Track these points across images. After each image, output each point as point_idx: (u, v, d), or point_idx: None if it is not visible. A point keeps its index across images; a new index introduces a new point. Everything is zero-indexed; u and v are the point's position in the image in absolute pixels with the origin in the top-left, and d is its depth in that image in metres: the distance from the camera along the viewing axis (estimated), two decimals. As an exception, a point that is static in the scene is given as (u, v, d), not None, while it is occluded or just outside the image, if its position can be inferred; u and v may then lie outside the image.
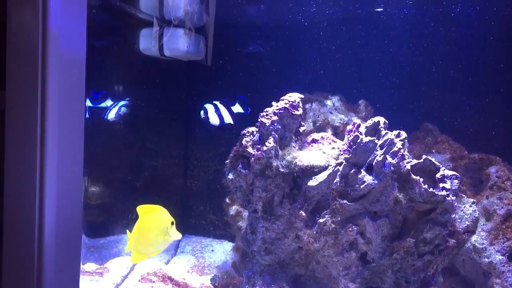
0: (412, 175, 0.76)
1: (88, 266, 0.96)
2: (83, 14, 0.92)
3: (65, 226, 0.97)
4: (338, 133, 0.94)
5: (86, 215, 0.94)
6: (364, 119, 0.94)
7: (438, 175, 0.77)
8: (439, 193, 0.75)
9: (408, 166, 0.76)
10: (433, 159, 0.78)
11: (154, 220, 0.73)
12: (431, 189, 0.75)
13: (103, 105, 0.92)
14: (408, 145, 0.82)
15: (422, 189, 0.75)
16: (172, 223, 0.71)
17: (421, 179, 0.76)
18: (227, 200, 0.98)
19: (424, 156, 0.77)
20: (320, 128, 0.92)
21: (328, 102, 0.96)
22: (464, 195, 0.84)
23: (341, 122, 0.94)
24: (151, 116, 1.03)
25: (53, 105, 0.98)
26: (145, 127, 1.04)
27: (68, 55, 0.98)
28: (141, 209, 0.71)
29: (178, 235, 0.71)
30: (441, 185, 0.76)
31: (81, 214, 0.92)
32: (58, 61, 0.96)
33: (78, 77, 0.96)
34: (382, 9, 0.94)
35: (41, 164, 0.95)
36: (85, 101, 0.93)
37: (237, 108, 0.93)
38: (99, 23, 0.87)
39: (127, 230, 0.72)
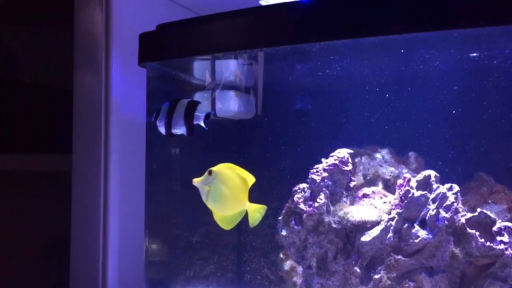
0: (468, 229, 0.75)
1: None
2: (142, 82, 0.99)
3: (128, 284, 1.01)
4: (389, 186, 0.94)
5: (146, 272, 0.97)
6: (415, 171, 0.93)
7: (494, 228, 0.76)
8: (497, 247, 0.73)
9: (463, 220, 0.75)
10: (488, 212, 0.77)
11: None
12: (488, 243, 0.74)
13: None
14: (461, 198, 0.82)
15: (479, 243, 0.74)
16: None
17: (477, 233, 0.74)
18: (281, 255, 0.99)
19: (478, 209, 0.77)
20: (370, 182, 0.93)
21: (378, 155, 0.97)
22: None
23: (392, 175, 0.94)
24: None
25: (115, 168, 1.05)
26: (200, 184, 1.08)
27: (129, 120, 1.05)
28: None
29: None
30: (498, 238, 0.75)
31: (142, 272, 0.96)
32: (120, 125, 1.04)
33: (138, 140, 1.02)
34: (428, 65, 0.95)
35: (104, 224, 1.00)
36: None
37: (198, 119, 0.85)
38: (156, 90, 0.93)
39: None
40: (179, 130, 0.84)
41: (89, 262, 1.01)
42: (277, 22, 0.75)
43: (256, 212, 0.76)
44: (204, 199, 0.77)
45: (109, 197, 1.03)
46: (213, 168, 0.75)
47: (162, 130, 0.84)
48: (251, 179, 0.77)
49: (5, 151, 1.20)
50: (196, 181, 0.76)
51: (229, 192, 0.77)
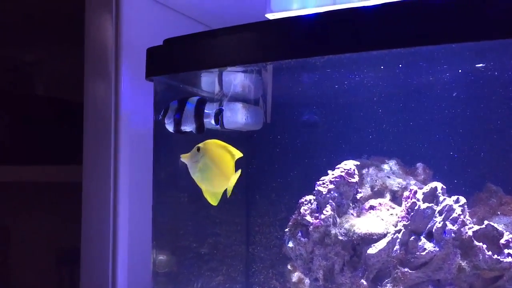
0: (475, 241, 0.74)
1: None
2: (150, 94, 1.00)
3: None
4: (397, 197, 0.93)
5: (154, 282, 0.98)
6: (423, 182, 0.93)
7: (502, 241, 0.75)
8: (505, 260, 0.73)
9: (470, 233, 0.75)
10: (495, 225, 0.76)
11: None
12: (495, 255, 0.73)
13: None
14: (470, 209, 0.81)
15: (486, 256, 0.73)
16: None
17: (485, 246, 0.74)
18: (289, 267, 1.00)
19: (486, 222, 0.76)
20: (378, 193, 0.93)
21: (385, 167, 0.96)
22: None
23: (399, 186, 0.93)
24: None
25: (124, 178, 1.06)
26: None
27: (138, 131, 1.06)
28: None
29: None
30: (506, 251, 0.74)
31: (151, 283, 0.96)
32: (129, 137, 1.05)
33: (146, 152, 1.03)
34: (435, 78, 0.95)
35: (114, 235, 1.02)
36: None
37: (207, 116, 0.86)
38: (163, 103, 0.94)
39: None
40: (188, 127, 0.85)
41: (99, 272, 1.02)
42: (284, 36, 0.75)
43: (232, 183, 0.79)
44: (192, 175, 0.78)
45: (119, 207, 1.04)
46: (201, 145, 0.76)
47: (171, 127, 0.85)
48: (238, 154, 0.78)
49: (18, 162, 1.22)
50: (184, 157, 0.77)
51: (217, 170, 0.78)
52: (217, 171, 0.78)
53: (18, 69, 1.53)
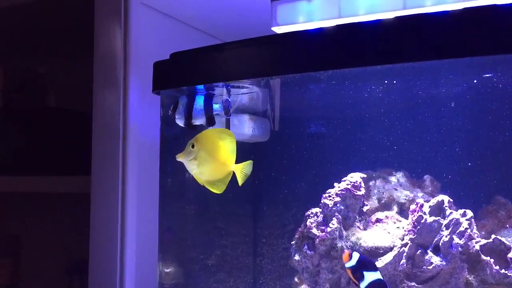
0: (482, 255, 0.74)
1: None
2: (158, 106, 1.01)
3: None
4: (404, 209, 0.93)
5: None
6: (431, 195, 0.92)
7: (510, 255, 0.74)
8: (513, 275, 0.72)
9: (477, 247, 0.74)
10: (503, 239, 0.75)
11: None
12: (503, 270, 0.72)
13: None
14: (478, 222, 0.81)
15: (494, 270, 0.73)
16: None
17: (492, 260, 0.73)
18: (296, 279, 0.99)
19: (493, 236, 0.76)
20: (385, 205, 0.92)
21: (392, 179, 0.96)
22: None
23: (407, 198, 0.93)
24: (220, 196, 1.08)
25: (132, 190, 1.06)
26: (215, 206, 1.09)
27: (146, 143, 1.07)
28: None
29: None
30: (514, 266, 0.74)
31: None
32: (137, 148, 1.06)
33: (154, 163, 1.04)
34: (444, 89, 0.95)
35: (121, 245, 1.02)
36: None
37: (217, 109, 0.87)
38: (170, 115, 0.95)
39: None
40: (199, 120, 0.86)
41: (107, 281, 1.03)
42: (291, 50, 0.76)
43: (242, 171, 0.78)
44: (191, 172, 0.79)
45: (126, 218, 1.05)
46: (194, 141, 0.77)
47: (181, 121, 0.87)
48: (233, 136, 0.79)
49: (28, 173, 1.23)
50: (180, 156, 0.78)
51: (214, 161, 0.79)
52: (215, 161, 0.78)
53: (29, 80, 1.55)
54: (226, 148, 0.79)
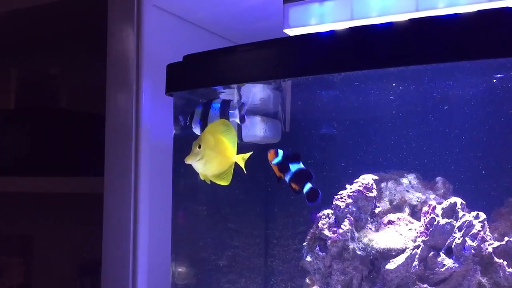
0: (495, 258, 0.74)
1: None
2: (170, 107, 1.02)
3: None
4: (416, 211, 0.93)
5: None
6: (443, 197, 0.92)
7: (523, 258, 0.74)
8: (526, 278, 0.72)
9: (490, 249, 0.74)
10: (516, 241, 0.75)
11: None
12: (516, 273, 0.72)
13: None
14: (490, 225, 0.80)
15: (507, 273, 0.72)
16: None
17: (505, 262, 0.73)
18: (307, 281, 0.99)
19: (506, 238, 0.75)
20: (397, 207, 0.92)
21: (404, 180, 0.96)
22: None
23: (419, 200, 0.93)
24: (231, 197, 1.09)
25: (144, 190, 1.07)
26: (226, 207, 1.09)
27: (158, 144, 1.08)
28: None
29: None
30: (527, 268, 0.73)
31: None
32: (149, 149, 1.07)
33: (166, 164, 1.05)
34: (457, 91, 0.94)
35: (134, 246, 1.03)
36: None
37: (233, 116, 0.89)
38: (184, 116, 0.96)
39: None
40: None
41: (120, 282, 1.04)
42: (303, 53, 0.76)
43: (244, 159, 0.82)
44: (197, 170, 0.81)
45: (139, 218, 1.05)
46: (200, 142, 0.78)
47: (198, 131, 0.88)
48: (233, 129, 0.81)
49: (42, 174, 1.24)
50: (189, 159, 0.80)
51: (219, 155, 0.80)
52: (220, 155, 0.81)
53: (42, 81, 1.56)
54: (228, 141, 0.81)
